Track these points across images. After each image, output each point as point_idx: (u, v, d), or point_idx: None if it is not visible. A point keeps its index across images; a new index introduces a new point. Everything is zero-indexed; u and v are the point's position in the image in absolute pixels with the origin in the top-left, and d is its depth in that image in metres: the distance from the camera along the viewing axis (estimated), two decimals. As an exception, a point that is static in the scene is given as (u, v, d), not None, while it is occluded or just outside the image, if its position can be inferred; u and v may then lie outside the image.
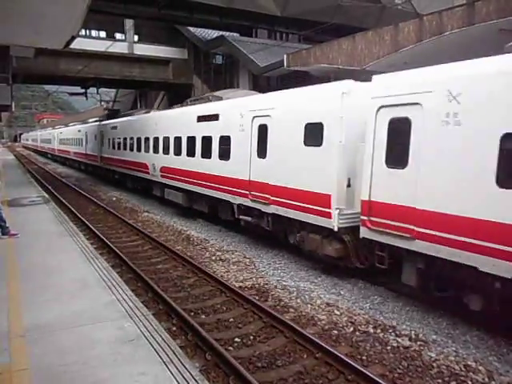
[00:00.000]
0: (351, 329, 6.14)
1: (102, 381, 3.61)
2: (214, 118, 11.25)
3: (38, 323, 4.65)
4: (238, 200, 10.18)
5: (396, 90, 6.56)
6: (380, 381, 4.58)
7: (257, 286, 7.83)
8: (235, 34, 21.00)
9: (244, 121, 9.84)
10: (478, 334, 5.99)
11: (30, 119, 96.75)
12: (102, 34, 26.20)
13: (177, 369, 3.78)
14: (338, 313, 6.66)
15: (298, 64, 12.99)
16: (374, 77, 6.95)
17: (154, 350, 4.11)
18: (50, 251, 7.52)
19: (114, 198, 18.46)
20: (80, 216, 13.41)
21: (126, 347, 4.16)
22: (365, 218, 6.85)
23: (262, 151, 9.29)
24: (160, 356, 3.99)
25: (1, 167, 7.65)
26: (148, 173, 15.93)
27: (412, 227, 6.10)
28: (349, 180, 7.46)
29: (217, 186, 11.01)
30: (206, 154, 11.67)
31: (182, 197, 13.32)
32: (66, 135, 34.61)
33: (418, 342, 5.73)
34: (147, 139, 16.10)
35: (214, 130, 11.24)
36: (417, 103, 6.09)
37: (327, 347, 5.29)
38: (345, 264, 7.78)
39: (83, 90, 26.40)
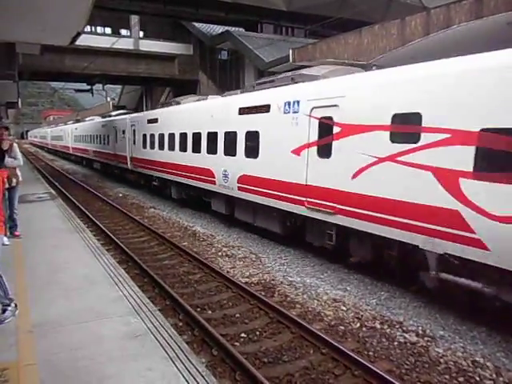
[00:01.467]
0: (358, 324, 6.13)
1: (109, 376, 3.63)
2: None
3: (45, 319, 4.68)
4: None
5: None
6: (387, 376, 4.56)
7: (263, 281, 7.83)
8: (240, 29, 20.94)
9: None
10: (486, 330, 5.95)
11: (37, 116, 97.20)
12: (108, 30, 26.24)
13: (183, 364, 3.79)
14: (344, 308, 6.64)
15: (304, 59, 12.91)
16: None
17: (161, 345, 4.12)
18: (56, 247, 7.56)
19: (121, 195, 18.52)
20: (87, 212, 13.47)
21: (132, 343, 4.17)
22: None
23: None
24: (166, 352, 4.00)
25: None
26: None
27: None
28: None
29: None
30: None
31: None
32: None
33: (426, 338, 5.70)
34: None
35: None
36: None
37: (334, 343, 5.28)
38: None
39: (89, 87, 26.45)
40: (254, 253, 9.56)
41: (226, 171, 10.85)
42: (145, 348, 4.08)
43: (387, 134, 6.45)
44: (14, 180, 6.63)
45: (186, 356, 3.95)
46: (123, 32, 25.63)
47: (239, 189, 10.31)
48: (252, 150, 9.71)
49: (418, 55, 10.23)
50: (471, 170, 5.35)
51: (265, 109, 9.27)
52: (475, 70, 5.53)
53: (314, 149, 7.82)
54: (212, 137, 11.52)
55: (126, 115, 20.99)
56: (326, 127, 7.56)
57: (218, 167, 11.23)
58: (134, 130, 18.43)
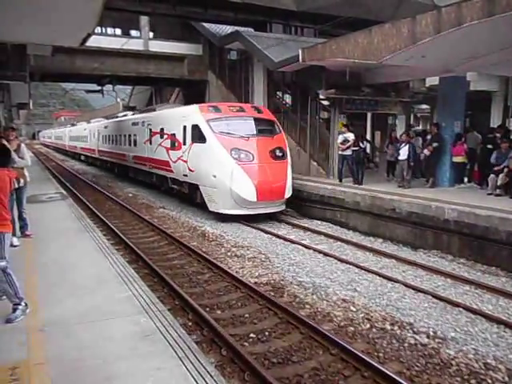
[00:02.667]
0: (367, 325, 6.08)
1: (119, 376, 3.63)
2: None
3: (55, 318, 4.70)
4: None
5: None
6: (397, 378, 4.52)
7: (272, 281, 7.81)
8: (250, 29, 20.89)
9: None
10: (498, 332, 5.89)
11: (48, 117, 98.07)
12: (118, 31, 26.37)
13: (192, 364, 3.78)
14: (354, 309, 6.60)
15: (314, 58, 12.83)
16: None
17: (170, 345, 4.12)
18: (67, 247, 7.61)
19: (131, 195, 18.60)
20: (97, 212, 13.55)
21: (142, 342, 4.18)
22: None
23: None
24: (175, 351, 4.00)
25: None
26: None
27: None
28: None
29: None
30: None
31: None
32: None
33: (436, 340, 5.65)
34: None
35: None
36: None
37: (343, 344, 5.25)
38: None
39: (99, 88, 26.58)
40: (264, 253, 9.55)
41: (129, 155, 20.40)
42: (154, 347, 4.08)
43: (159, 134, 16.04)
44: (22, 180, 6.68)
45: (195, 356, 3.95)
46: (133, 33, 25.75)
47: (134, 162, 19.97)
48: (134, 144, 19.64)
49: (428, 54, 10.16)
50: (169, 146, 14.82)
51: (138, 123, 19.41)
52: (174, 112, 15.95)
53: (148, 140, 17.49)
54: (126, 137, 21.30)
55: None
56: (149, 132, 17.34)
57: (128, 153, 20.76)
58: (99, 132, 27.76)
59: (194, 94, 25.57)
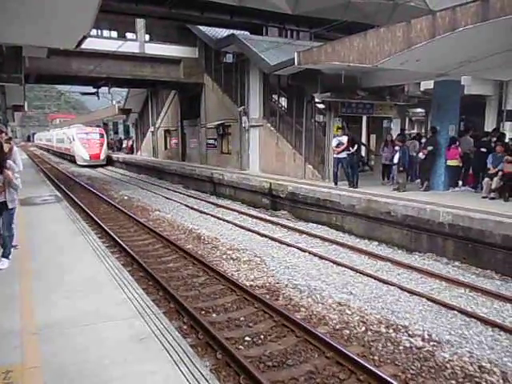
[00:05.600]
0: (363, 328, 6.09)
1: (113, 379, 3.61)
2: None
3: (49, 321, 4.67)
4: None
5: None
6: (392, 381, 4.53)
7: (267, 284, 7.81)
8: (245, 33, 20.91)
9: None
10: (493, 335, 5.91)
11: (43, 119, 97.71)
12: (114, 33, 26.30)
13: (187, 368, 3.76)
14: (349, 312, 6.61)
15: (309, 62, 12.88)
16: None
17: (165, 348, 4.10)
18: (61, 250, 7.57)
19: (126, 197, 18.56)
20: (92, 215, 13.51)
21: (136, 346, 4.16)
22: None
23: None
24: (171, 355, 3.98)
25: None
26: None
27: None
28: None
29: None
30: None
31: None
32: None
33: (431, 343, 5.66)
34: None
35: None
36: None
37: (339, 347, 5.25)
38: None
39: (95, 90, 26.51)
40: (259, 256, 9.54)
41: (61, 148, 45.29)
42: (149, 351, 4.06)
43: (67, 138, 40.78)
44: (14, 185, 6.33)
45: (190, 359, 3.93)
46: (129, 35, 25.69)
47: (63, 151, 44.36)
48: (61, 142, 45.11)
49: (423, 58, 10.21)
50: (69, 143, 39.76)
51: (63, 134, 43.54)
52: (70, 129, 40.63)
53: (73, 142, 37.70)
54: (60, 139, 45.28)
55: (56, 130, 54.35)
56: (65, 137, 41.86)
57: (68, 147, 40.07)
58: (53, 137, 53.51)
59: (189, 96, 25.56)
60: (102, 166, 34.92)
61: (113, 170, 32.88)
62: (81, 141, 35.12)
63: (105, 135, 36.60)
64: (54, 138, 52.39)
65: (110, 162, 36.47)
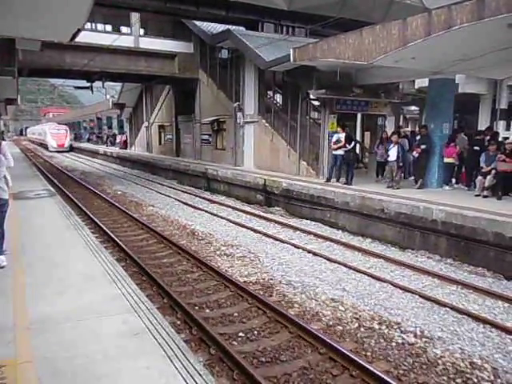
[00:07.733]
0: (356, 325, 6.13)
1: (107, 374, 3.61)
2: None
3: (42, 316, 4.65)
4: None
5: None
6: (385, 377, 4.56)
7: (261, 280, 7.83)
8: (241, 28, 20.84)
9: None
10: (484, 332, 5.96)
11: (36, 113, 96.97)
12: (108, 27, 26.11)
13: (181, 363, 3.77)
14: (342, 308, 6.64)
15: (305, 58, 12.87)
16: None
17: (159, 344, 4.10)
18: (54, 245, 7.53)
19: (120, 192, 18.50)
20: (85, 209, 13.45)
21: (130, 341, 4.16)
22: None
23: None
24: (164, 350, 3.98)
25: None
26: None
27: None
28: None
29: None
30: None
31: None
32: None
33: (423, 339, 5.71)
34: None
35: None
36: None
37: (332, 343, 5.28)
38: None
39: (89, 84, 26.31)
40: (253, 252, 9.56)
41: (40, 139, 58.92)
42: (143, 346, 4.06)
43: (43, 132, 57.32)
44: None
45: (183, 355, 3.93)
46: (124, 29, 25.51)
47: (42, 142, 58.25)
48: (40, 135, 59.90)
49: (418, 55, 10.24)
50: (44, 135, 54.70)
51: (41, 130, 60.03)
52: (45, 126, 60.03)
53: (46, 135, 53.70)
54: (40, 133, 60.40)
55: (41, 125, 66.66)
56: (43, 132, 57.25)
57: (43, 139, 55.64)
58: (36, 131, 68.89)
59: (184, 92, 25.45)
60: (66, 151, 49.89)
61: (106, 165, 32.75)
62: (51, 134, 51.16)
63: (68, 131, 54.02)
64: (37, 132, 70.74)
65: (71, 148, 52.16)
